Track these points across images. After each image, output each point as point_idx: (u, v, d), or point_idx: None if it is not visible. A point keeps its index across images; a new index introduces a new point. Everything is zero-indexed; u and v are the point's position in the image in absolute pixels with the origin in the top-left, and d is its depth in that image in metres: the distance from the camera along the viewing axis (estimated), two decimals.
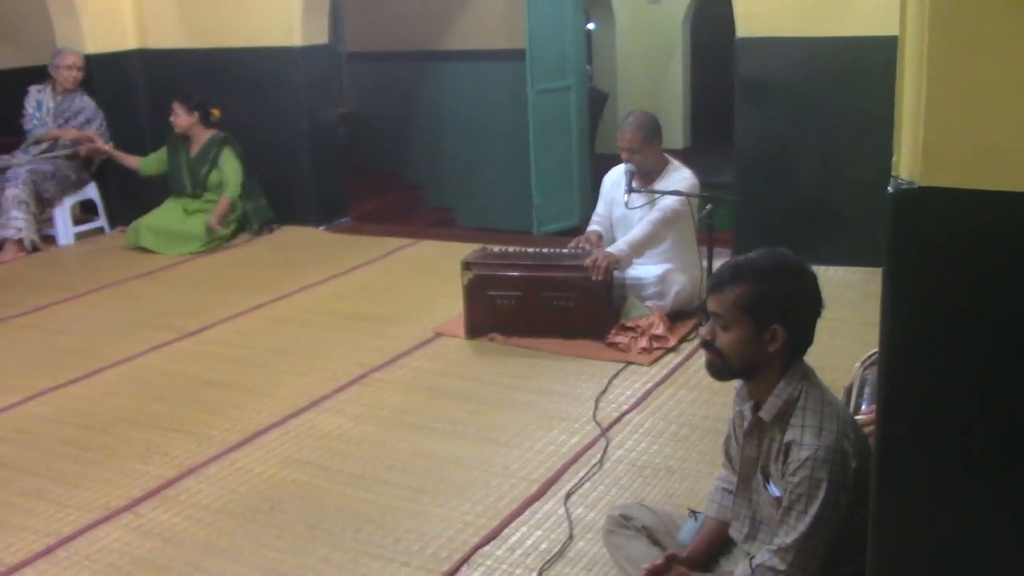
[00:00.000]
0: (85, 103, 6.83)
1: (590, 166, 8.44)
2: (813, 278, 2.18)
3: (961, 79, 1.48)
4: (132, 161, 6.85)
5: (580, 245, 4.74)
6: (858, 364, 2.84)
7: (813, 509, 2.06)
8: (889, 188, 1.58)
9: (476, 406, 3.93)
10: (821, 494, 2.06)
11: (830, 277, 5.16)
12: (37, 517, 3.22)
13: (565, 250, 4.71)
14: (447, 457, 3.51)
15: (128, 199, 7.13)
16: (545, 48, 7.75)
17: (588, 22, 9.91)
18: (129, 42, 7.23)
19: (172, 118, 6.64)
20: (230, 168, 6.67)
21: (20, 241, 6.49)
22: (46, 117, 6.80)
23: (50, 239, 6.83)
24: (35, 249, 6.59)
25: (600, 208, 4.96)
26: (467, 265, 4.61)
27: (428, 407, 3.94)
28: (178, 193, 6.73)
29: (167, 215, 6.63)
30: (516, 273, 4.57)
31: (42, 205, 6.67)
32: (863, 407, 2.62)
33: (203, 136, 6.71)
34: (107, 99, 7.03)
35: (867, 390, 2.69)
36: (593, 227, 4.93)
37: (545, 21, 7.69)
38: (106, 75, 7.06)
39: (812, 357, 2.21)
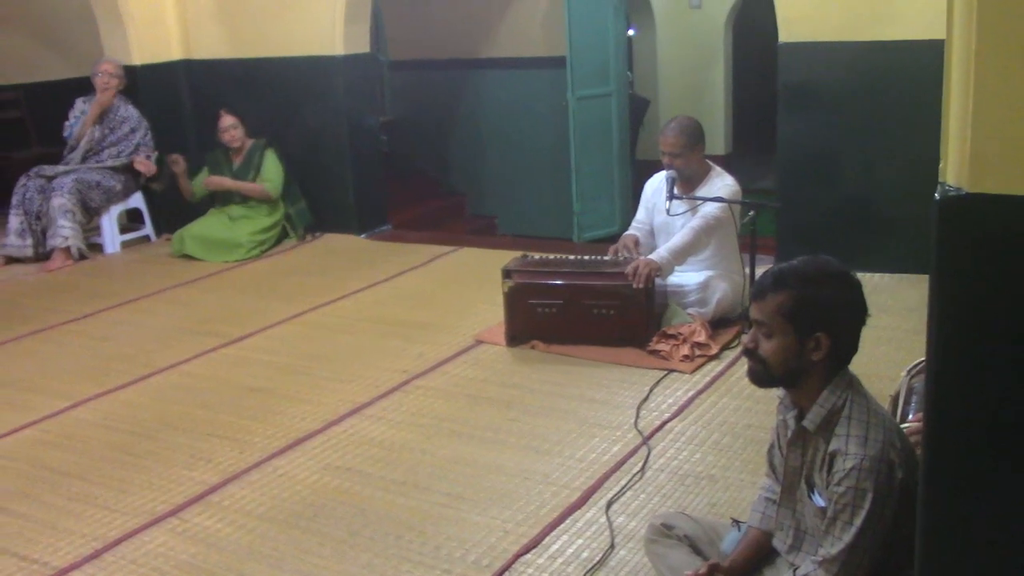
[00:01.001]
0: (129, 112, 6.93)
1: (631, 173, 8.43)
2: (858, 285, 2.15)
3: (1010, 83, 1.45)
4: (190, 189, 6.87)
5: (619, 253, 4.71)
6: (904, 372, 2.80)
7: (858, 520, 2.03)
8: (936, 194, 1.55)
9: (517, 414, 3.92)
10: (867, 505, 2.03)
11: (875, 284, 5.11)
12: (85, 521, 3.26)
13: (606, 257, 4.69)
14: (488, 464, 3.51)
15: (173, 208, 7.24)
16: (586, 55, 7.76)
17: (629, 28, 9.89)
18: (174, 53, 7.34)
19: (232, 131, 6.67)
20: (271, 168, 6.74)
21: (67, 249, 6.60)
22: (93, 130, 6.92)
23: (97, 247, 6.95)
24: (82, 257, 6.70)
25: (640, 215, 4.94)
26: (508, 273, 4.61)
27: (469, 414, 3.95)
28: (224, 204, 6.80)
29: (212, 223, 6.71)
30: (557, 281, 4.56)
31: (88, 214, 6.79)
32: (910, 416, 2.58)
33: (246, 145, 6.79)
34: (152, 109, 7.14)
35: (914, 399, 2.65)
36: (631, 232, 4.90)
37: (586, 28, 7.70)
38: (151, 85, 7.17)
39: (857, 365, 2.18)
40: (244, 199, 6.75)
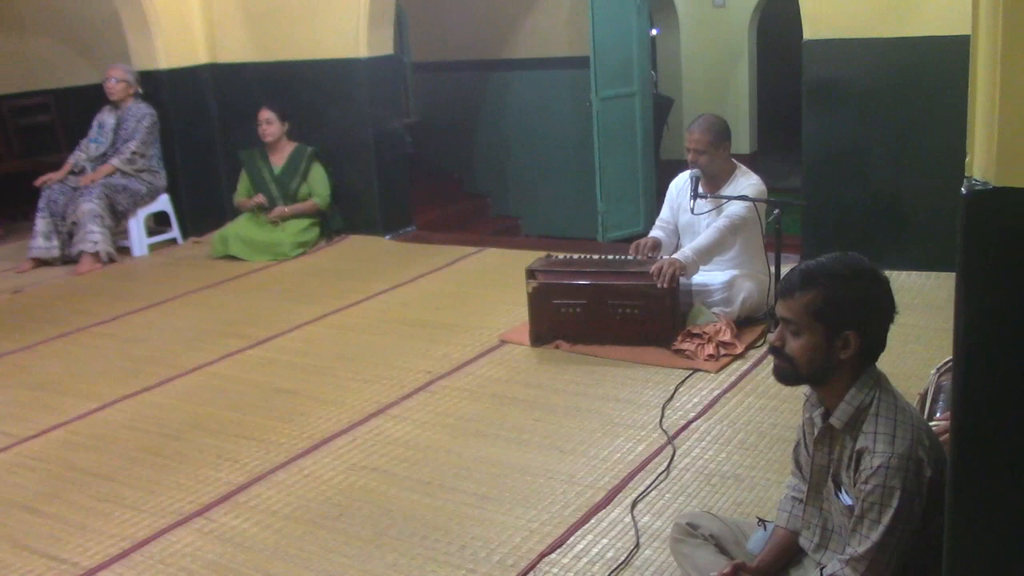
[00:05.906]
0: (141, 107, 6.97)
1: (655, 172, 8.41)
2: (886, 283, 2.13)
3: None
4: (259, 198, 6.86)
5: (640, 252, 4.65)
6: (933, 371, 2.78)
7: (886, 518, 2.02)
8: (963, 189, 1.54)
9: (541, 414, 3.92)
10: (895, 503, 2.01)
11: (903, 282, 5.07)
12: (113, 521, 3.29)
13: (630, 257, 4.68)
14: (513, 464, 3.51)
15: (200, 210, 7.29)
16: (609, 54, 7.75)
17: (652, 27, 9.86)
18: (200, 57, 7.40)
19: (265, 126, 6.74)
20: (321, 181, 6.82)
21: (96, 253, 6.67)
22: (109, 134, 6.99)
23: (125, 250, 7.01)
24: (111, 260, 6.76)
25: (665, 213, 4.92)
26: (532, 273, 4.61)
27: (494, 414, 3.95)
28: (267, 207, 6.82)
29: (252, 224, 6.74)
30: (581, 281, 4.55)
31: (116, 217, 6.86)
32: (938, 414, 2.56)
33: (286, 148, 6.84)
34: (179, 113, 7.21)
35: (942, 396, 2.63)
36: (655, 232, 4.87)
37: (609, 27, 7.68)
38: (178, 90, 7.24)
39: (886, 364, 2.17)
40: (289, 202, 6.78)
